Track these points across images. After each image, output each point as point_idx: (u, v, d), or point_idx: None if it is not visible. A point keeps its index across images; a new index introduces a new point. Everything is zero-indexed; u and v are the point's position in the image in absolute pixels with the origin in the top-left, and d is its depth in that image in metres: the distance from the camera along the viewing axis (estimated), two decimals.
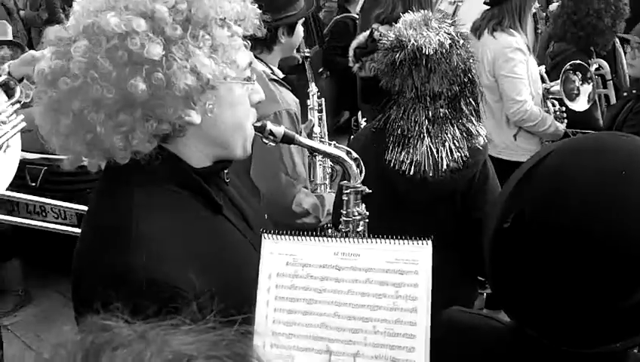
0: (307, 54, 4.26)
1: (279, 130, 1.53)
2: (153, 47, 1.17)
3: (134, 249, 1.21)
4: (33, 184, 4.26)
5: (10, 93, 2.93)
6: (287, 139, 1.56)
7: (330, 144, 1.71)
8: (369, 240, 1.26)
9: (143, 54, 1.17)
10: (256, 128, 1.46)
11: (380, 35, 3.11)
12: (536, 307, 1.08)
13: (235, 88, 1.32)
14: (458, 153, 2.30)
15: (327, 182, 3.44)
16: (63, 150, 1.30)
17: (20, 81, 2.90)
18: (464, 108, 2.34)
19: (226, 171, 1.47)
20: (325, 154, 1.71)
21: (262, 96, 1.42)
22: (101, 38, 1.18)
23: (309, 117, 3.54)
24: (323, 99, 3.75)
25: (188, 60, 1.20)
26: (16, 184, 3.29)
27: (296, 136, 1.58)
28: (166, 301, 1.13)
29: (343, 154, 1.68)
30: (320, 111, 3.67)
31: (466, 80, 2.32)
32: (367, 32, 3.86)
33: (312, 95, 3.65)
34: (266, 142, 1.53)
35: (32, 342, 4.19)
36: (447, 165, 2.28)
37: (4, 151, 2.89)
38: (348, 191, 1.76)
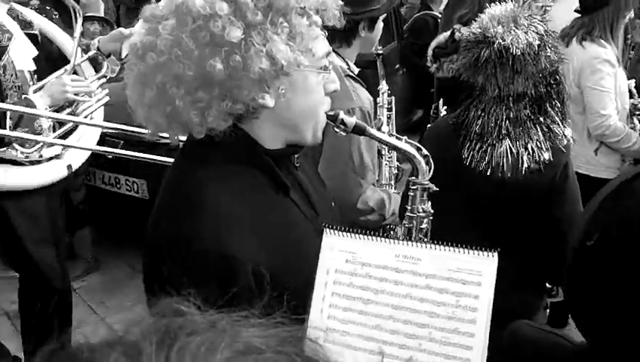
0: (379, 52, 4.23)
1: (351, 120, 1.54)
2: (233, 31, 1.22)
3: (201, 220, 1.27)
4: (110, 156, 4.40)
5: (97, 68, 3.05)
6: (359, 130, 1.56)
7: (400, 139, 1.69)
8: (432, 245, 1.24)
9: (224, 36, 1.22)
10: (328, 117, 1.49)
11: (462, 36, 3.04)
12: (615, 327, 1.03)
13: (309, 76, 1.36)
14: (540, 155, 2.23)
15: (393, 182, 3.41)
16: (146, 120, 1.37)
17: (108, 56, 3.01)
18: (549, 109, 2.26)
19: (296, 156, 1.51)
20: (395, 149, 1.70)
21: (337, 86, 1.45)
22: (188, 19, 1.24)
23: (378, 115, 3.52)
24: (393, 97, 3.71)
25: (265, 45, 1.25)
26: (95, 155, 3.40)
27: (368, 127, 1.58)
28: (225, 271, 1.23)
29: (413, 150, 1.66)
30: (389, 109, 3.64)
31: (552, 81, 2.24)
32: (448, 33, 3.79)
33: (382, 93, 3.62)
34: (337, 130, 1.54)
35: (97, 307, 4.36)
36: (528, 166, 2.22)
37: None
38: (415, 187, 1.74)
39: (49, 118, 2.67)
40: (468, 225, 2.20)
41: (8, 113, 2.61)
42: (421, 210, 1.75)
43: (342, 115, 1.53)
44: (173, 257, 1.26)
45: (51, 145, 2.88)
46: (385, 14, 2.89)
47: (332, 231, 1.28)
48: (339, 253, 1.27)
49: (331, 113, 1.50)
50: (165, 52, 1.26)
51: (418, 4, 7.33)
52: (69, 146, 2.82)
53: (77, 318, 3.52)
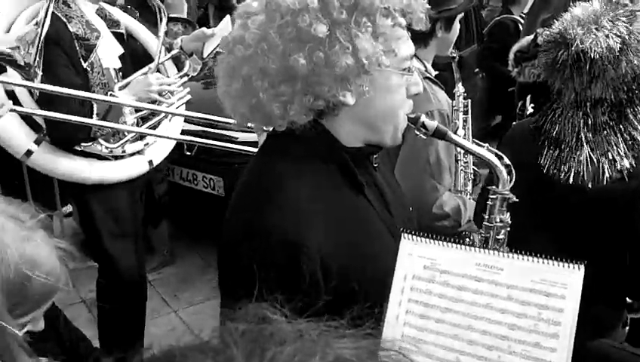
0: (454, 54, 4.15)
1: (432, 123, 1.52)
2: (319, 27, 1.25)
3: (276, 212, 1.31)
4: (189, 153, 4.51)
5: (179, 67, 3.12)
6: (439, 134, 1.54)
7: (482, 146, 1.65)
8: (515, 255, 1.21)
9: (310, 32, 1.25)
10: (409, 119, 1.48)
11: (545, 40, 2.95)
12: None
13: (392, 76, 1.37)
14: (622, 163, 2.13)
15: (469, 188, 3.34)
16: (232, 111, 1.43)
17: (190, 55, 3.08)
18: (631, 116, 2.15)
19: (375, 156, 1.51)
20: (476, 155, 1.65)
21: (420, 88, 1.45)
22: (276, 15, 1.28)
23: (453, 118, 3.45)
24: (469, 100, 3.64)
25: (349, 43, 1.27)
26: (174, 151, 3.48)
27: (449, 132, 1.56)
28: (294, 262, 1.26)
29: (495, 159, 1.62)
30: (465, 113, 3.56)
31: (634, 87, 2.11)
32: (531, 37, 3.68)
33: (458, 96, 3.55)
34: (417, 133, 1.53)
35: (170, 300, 4.47)
36: (610, 176, 2.13)
37: (170, 120, 3.08)
38: (495, 196, 1.69)
39: (133, 107, 2.75)
40: (541, 234, 2.14)
41: (95, 108, 2.71)
42: (499, 220, 1.70)
43: (423, 118, 1.51)
44: (247, 246, 1.30)
45: (134, 141, 2.96)
46: (463, 15, 2.84)
47: (410, 236, 1.26)
48: (417, 258, 1.26)
49: (412, 115, 1.49)
50: (252, 45, 1.30)
51: (499, 8, 7.19)
52: (152, 135, 2.89)
53: (150, 309, 3.61)
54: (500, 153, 1.68)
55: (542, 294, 1.17)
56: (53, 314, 1.52)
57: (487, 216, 1.72)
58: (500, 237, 1.72)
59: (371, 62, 1.29)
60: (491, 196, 1.70)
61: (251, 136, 3.89)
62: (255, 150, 2.85)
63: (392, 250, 1.32)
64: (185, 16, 5.22)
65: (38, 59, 2.18)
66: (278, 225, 1.29)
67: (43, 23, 2.17)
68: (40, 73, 2.28)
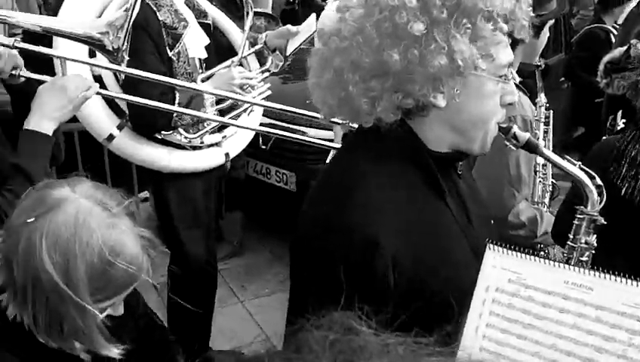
0: (538, 63, 4.02)
1: (524, 135, 1.46)
2: (417, 24, 1.22)
3: (356, 207, 1.28)
4: (264, 147, 4.55)
5: (262, 62, 3.14)
6: (530, 147, 1.48)
7: (574, 164, 1.58)
8: (607, 275, 1.14)
9: (407, 29, 1.22)
10: (500, 128, 1.43)
11: (637, 52, 2.82)
12: None
13: (487, 82, 1.31)
14: None
15: (547, 200, 3.24)
16: (321, 103, 1.41)
17: (273, 51, 3.10)
18: None
19: (460, 164, 1.47)
20: (567, 173, 1.58)
21: (515, 98, 1.39)
22: (375, 9, 1.26)
23: (534, 129, 3.35)
24: (551, 111, 3.52)
25: (446, 43, 1.23)
26: (250, 144, 3.51)
27: (540, 145, 1.49)
28: (370, 261, 1.23)
29: (586, 178, 1.55)
30: (547, 123, 3.45)
31: None
32: (624, 48, 3.53)
33: (540, 106, 3.45)
34: (507, 144, 1.47)
35: (238, 291, 4.53)
36: None
37: (249, 114, 3.10)
38: (582, 216, 1.61)
39: (214, 95, 2.78)
40: (615, 258, 2.04)
41: (177, 97, 2.75)
42: (584, 242, 1.63)
43: (515, 129, 1.45)
44: (325, 241, 1.28)
45: (213, 132, 3.00)
46: (553, 22, 2.75)
47: (496, 247, 1.21)
48: (501, 271, 1.20)
49: (504, 125, 1.43)
50: (347, 38, 1.29)
51: (591, 16, 6.94)
52: (232, 124, 2.92)
53: (218, 298, 3.64)
54: (592, 173, 1.61)
55: (634, 319, 1.10)
56: (134, 300, 1.54)
57: (571, 237, 1.65)
58: (584, 259, 1.65)
59: (467, 64, 1.25)
60: (578, 216, 1.62)
61: (325, 134, 3.91)
62: (332, 145, 2.88)
63: (469, 261, 1.28)
64: (269, 11, 5.27)
65: (126, 44, 2.22)
66: (358, 222, 1.26)
67: (132, 9, 2.21)
68: (127, 58, 2.32)
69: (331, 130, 3.78)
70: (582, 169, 1.57)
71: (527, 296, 1.18)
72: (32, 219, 1.34)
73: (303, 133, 4.20)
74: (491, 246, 1.22)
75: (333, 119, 1.48)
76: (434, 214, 1.38)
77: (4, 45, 2.01)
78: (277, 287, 4.54)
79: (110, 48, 2.22)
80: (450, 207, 1.41)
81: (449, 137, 1.37)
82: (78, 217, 1.35)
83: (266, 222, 5.26)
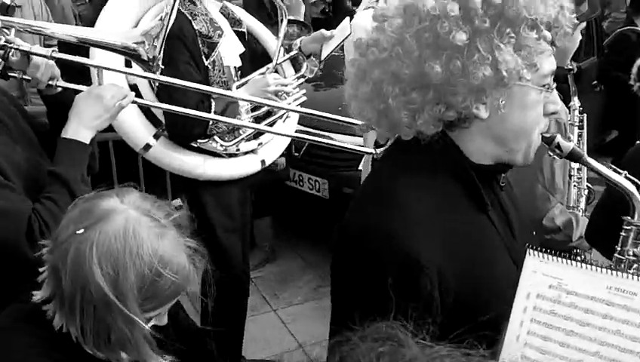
0: (570, 67, 3.96)
1: (567, 145, 1.43)
2: (459, 34, 1.19)
3: (393, 218, 1.26)
4: (296, 154, 4.57)
5: (297, 68, 3.16)
6: (575, 157, 1.45)
7: (620, 173, 1.55)
8: None
9: (448, 39, 1.20)
10: (543, 138, 1.39)
11: None
12: None
13: (530, 92, 1.29)
14: None
15: (582, 205, 3.19)
16: (358, 114, 1.40)
17: (308, 57, 3.11)
18: None
19: (503, 176, 1.44)
20: (612, 183, 1.55)
21: (558, 107, 1.37)
22: (415, 19, 1.24)
23: (568, 133, 3.31)
24: (585, 115, 3.47)
25: (490, 53, 1.21)
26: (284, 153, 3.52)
27: (585, 155, 1.46)
28: (407, 272, 1.21)
29: (633, 188, 1.51)
30: (580, 127, 3.41)
31: None
32: None
33: (573, 110, 3.41)
34: (551, 154, 1.45)
35: (270, 299, 4.53)
36: None
37: (284, 121, 3.12)
38: (629, 228, 1.58)
39: (249, 101, 2.80)
40: None
41: (213, 105, 2.77)
42: (632, 254, 1.59)
43: (559, 139, 1.42)
44: (366, 247, 1.27)
45: (249, 140, 3.02)
46: (584, 24, 2.71)
47: (536, 252, 1.20)
48: (542, 277, 1.20)
49: (547, 135, 1.40)
50: (387, 49, 1.27)
51: (623, 19, 6.84)
52: (267, 131, 2.94)
53: (250, 306, 3.64)
54: (638, 181, 1.58)
55: None
56: (174, 308, 1.56)
57: (619, 248, 1.60)
58: (631, 271, 1.60)
59: (512, 75, 1.22)
60: (625, 227, 1.58)
61: (355, 140, 3.92)
62: (365, 149, 2.87)
63: (512, 275, 1.25)
64: (302, 18, 5.29)
65: (161, 54, 2.24)
66: (399, 231, 1.24)
67: (168, 18, 2.24)
68: (162, 67, 2.35)
69: (361, 136, 3.79)
70: (628, 178, 1.54)
71: (569, 302, 1.17)
72: (82, 231, 1.35)
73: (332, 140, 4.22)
74: (531, 251, 1.21)
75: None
76: (477, 228, 1.35)
77: (41, 55, 2.04)
78: (309, 295, 4.54)
79: (145, 58, 2.24)
80: (493, 220, 1.38)
81: (491, 149, 1.35)
82: (128, 228, 1.36)
83: (299, 230, 5.28)
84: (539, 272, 1.20)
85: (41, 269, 1.46)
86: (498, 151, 1.35)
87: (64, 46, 2.14)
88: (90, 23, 3.98)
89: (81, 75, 2.51)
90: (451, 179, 1.34)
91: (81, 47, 2.33)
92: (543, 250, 1.21)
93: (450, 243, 1.27)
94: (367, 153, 2.74)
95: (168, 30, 2.34)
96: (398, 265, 1.22)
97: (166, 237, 1.41)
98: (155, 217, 1.42)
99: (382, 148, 2.72)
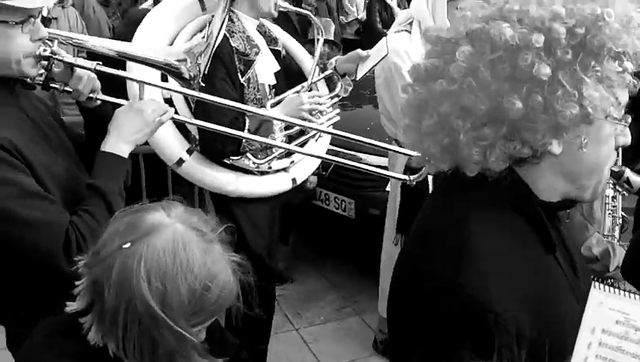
0: None
1: (638, 180, 1.37)
2: (543, 68, 1.10)
3: (464, 267, 1.16)
4: (324, 173, 4.54)
5: (331, 87, 3.14)
6: None
7: None
8: None
9: (531, 72, 1.11)
10: (612, 173, 1.33)
11: None
12: None
13: (605, 126, 1.20)
14: None
15: (617, 233, 3.13)
16: (415, 146, 1.32)
17: (342, 76, 3.09)
18: None
19: (568, 211, 1.39)
20: None
21: (628, 140, 1.28)
22: (485, 46, 1.15)
23: None
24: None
25: (574, 88, 1.12)
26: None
27: None
28: (485, 326, 1.10)
29: None
30: (615, 154, 3.35)
31: None
32: None
33: None
34: (619, 190, 1.38)
35: (293, 318, 4.48)
36: None
37: (316, 140, 3.09)
38: None
39: (283, 121, 2.77)
40: None
41: (247, 123, 2.75)
42: None
43: (628, 173, 1.36)
44: (436, 302, 1.16)
45: (281, 158, 3.00)
46: None
47: (602, 286, 1.16)
48: (608, 311, 1.14)
49: (615, 169, 1.34)
50: (457, 80, 1.17)
51: None
52: (299, 152, 2.90)
53: (273, 325, 3.61)
54: None
55: None
56: (213, 325, 1.53)
57: None
58: None
59: (597, 112, 1.14)
60: None
61: (381, 161, 3.89)
62: (396, 175, 2.82)
63: (575, 315, 1.18)
64: (332, 37, 5.30)
65: (205, 72, 2.23)
66: (470, 284, 1.14)
67: (215, 39, 2.22)
68: (202, 85, 2.34)
69: (386, 156, 3.76)
70: None
71: (638, 339, 1.12)
72: (128, 245, 1.33)
73: (360, 160, 4.20)
74: (597, 284, 1.16)
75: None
76: (544, 268, 1.26)
77: (85, 68, 2.04)
78: (331, 316, 4.49)
79: (187, 76, 2.23)
80: (559, 259, 1.30)
81: (562, 186, 1.27)
82: (177, 241, 1.34)
83: (324, 249, 5.24)
84: (605, 306, 1.15)
85: (77, 283, 1.44)
86: (568, 187, 1.27)
87: (98, 59, 2.13)
88: (119, 37, 4.01)
89: (119, 88, 2.51)
90: (519, 218, 1.25)
91: (119, 61, 2.32)
92: (609, 283, 1.16)
93: (521, 286, 1.18)
94: (401, 180, 2.70)
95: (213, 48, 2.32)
96: (476, 325, 1.12)
97: (213, 252, 1.39)
98: (201, 232, 1.40)
99: (416, 176, 2.70)
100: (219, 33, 2.23)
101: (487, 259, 1.17)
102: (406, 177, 2.71)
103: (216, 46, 2.24)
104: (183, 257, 1.33)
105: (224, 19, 2.24)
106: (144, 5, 4.79)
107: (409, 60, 3.12)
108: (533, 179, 1.25)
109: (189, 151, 2.89)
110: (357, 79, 3.01)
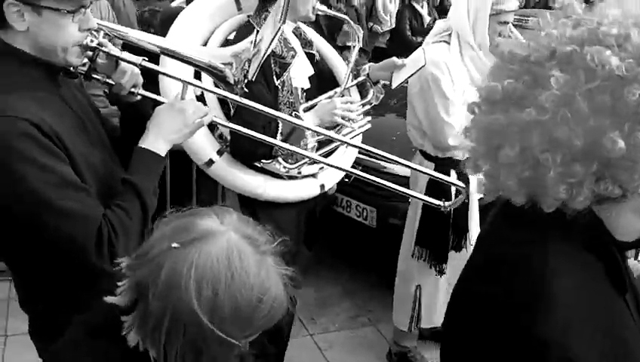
0: None
1: None
2: None
3: (547, 318, 1.08)
4: (347, 180, 4.51)
5: (363, 94, 3.11)
6: None
7: None
8: None
9: (636, 108, 1.02)
10: None
11: None
12: None
13: None
14: None
15: None
16: (487, 175, 1.22)
17: (375, 84, 3.06)
18: None
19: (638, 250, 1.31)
20: None
21: None
22: (579, 73, 1.05)
23: None
24: None
25: None
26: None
27: None
28: None
29: None
30: None
31: None
32: None
33: None
34: None
35: (307, 323, 4.46)
36: None
37: (346, 147, 3.07)
38: None
39: (314, 132, 2.73)
40: None
41: (280, 127, 2.73)
42: None
43: None
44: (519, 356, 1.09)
45: (311, 163, 2.97)
46: None
47: None
48: None
49: None
50: (549, 110, 1.07)
51: None
52: (325, 163, 2.86)
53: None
54: None
55: None
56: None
57: None
58: None
59: None
60: None
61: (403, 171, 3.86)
62: (430, 200, 2.75)
63: None
64: (361, 44, 5.29)
65: (251, 79, 2.18)
66: (555, 336, 1.06)
67: (268, 46, 2.16)
68: (245, 90, 2.29)
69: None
70: None
71: None
72: (178, 245, 1.30)
73: (383, 168, 4.17)
74: None
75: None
76: (618, 314, 1.19)
77: (130, 63, 2.02)
78: (345, 324, 4.47)
79: (231, 81, 2.18)
80: (628, 301, 1.23)
81: (639, 225, 1.18)
82: (231, 251, 1.30)
83: (342, 256, 5.21)
84: None
85: (119, 283, 1.40)
86: None
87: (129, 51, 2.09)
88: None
89: (151, 83, 2.49)
90: (594, 258, 1.18)
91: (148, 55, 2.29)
92: None
93: (599, 330, 1.11)
94: (435, 205, 2.66)
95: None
96: None
97: (266, 263, 1.35)
98: (255, 242, 1.36)
99: (451, 203, 2.66)
100: (271, 41, 2.16)
101: (563, 309, 1.09)
102: (440, 203, 2.68)
103: (267, 54, 2.18)
104: (239, 266, 1.29)
105: (279, 28, 2.16)
106: (176, 3, 4.79)
107: (448, 72, 3.09)
108: (612, 218, 1.16)
109: (220, 153, 2.87)
110: (393, 88, 2.98)
